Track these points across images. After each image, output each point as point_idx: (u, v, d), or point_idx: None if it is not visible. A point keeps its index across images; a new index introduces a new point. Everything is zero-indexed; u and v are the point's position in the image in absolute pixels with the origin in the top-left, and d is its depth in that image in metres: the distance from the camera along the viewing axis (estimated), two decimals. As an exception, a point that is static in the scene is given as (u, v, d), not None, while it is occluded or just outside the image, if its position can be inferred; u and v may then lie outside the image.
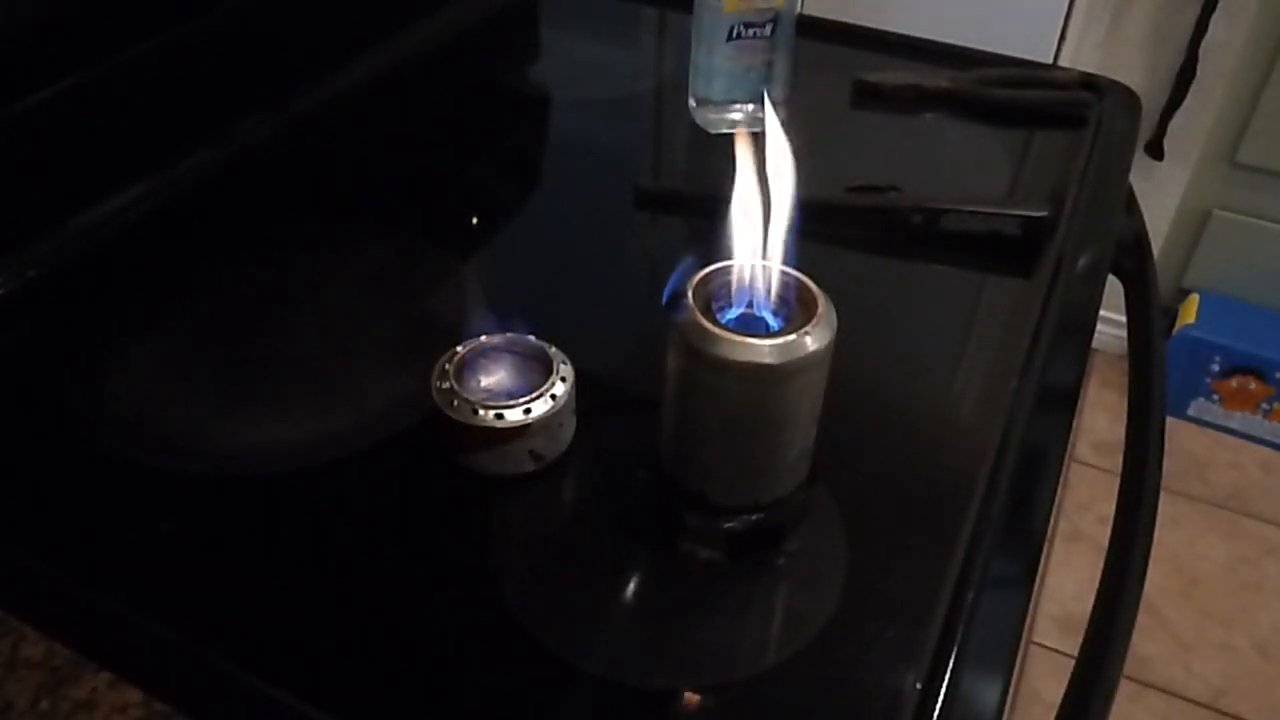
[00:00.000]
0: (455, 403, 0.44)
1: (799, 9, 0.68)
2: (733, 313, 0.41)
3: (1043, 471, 0.50)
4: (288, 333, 0.55)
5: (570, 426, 0.46)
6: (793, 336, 0.38)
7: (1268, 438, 1.65)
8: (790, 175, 0.40)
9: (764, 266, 0.40)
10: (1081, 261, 0.60)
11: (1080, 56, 1.38)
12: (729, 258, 0.41)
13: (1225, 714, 1.29)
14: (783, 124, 0.41)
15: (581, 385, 0.46)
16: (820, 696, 0.39)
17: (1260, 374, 1.60)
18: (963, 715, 0.38)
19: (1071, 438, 1.47)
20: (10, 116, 0.54)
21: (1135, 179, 0.71)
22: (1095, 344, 1.57)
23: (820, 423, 0.42)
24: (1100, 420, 1.65)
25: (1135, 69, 1.49)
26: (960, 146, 0.72)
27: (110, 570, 0.42)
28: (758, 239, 0.40)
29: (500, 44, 0.84)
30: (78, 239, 0.58)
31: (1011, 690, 0.42)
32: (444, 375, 0.45)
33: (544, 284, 0.59)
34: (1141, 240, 0.70)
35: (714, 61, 0.67)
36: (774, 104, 0.69)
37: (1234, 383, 1.62)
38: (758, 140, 0.42)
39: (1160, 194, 1.57)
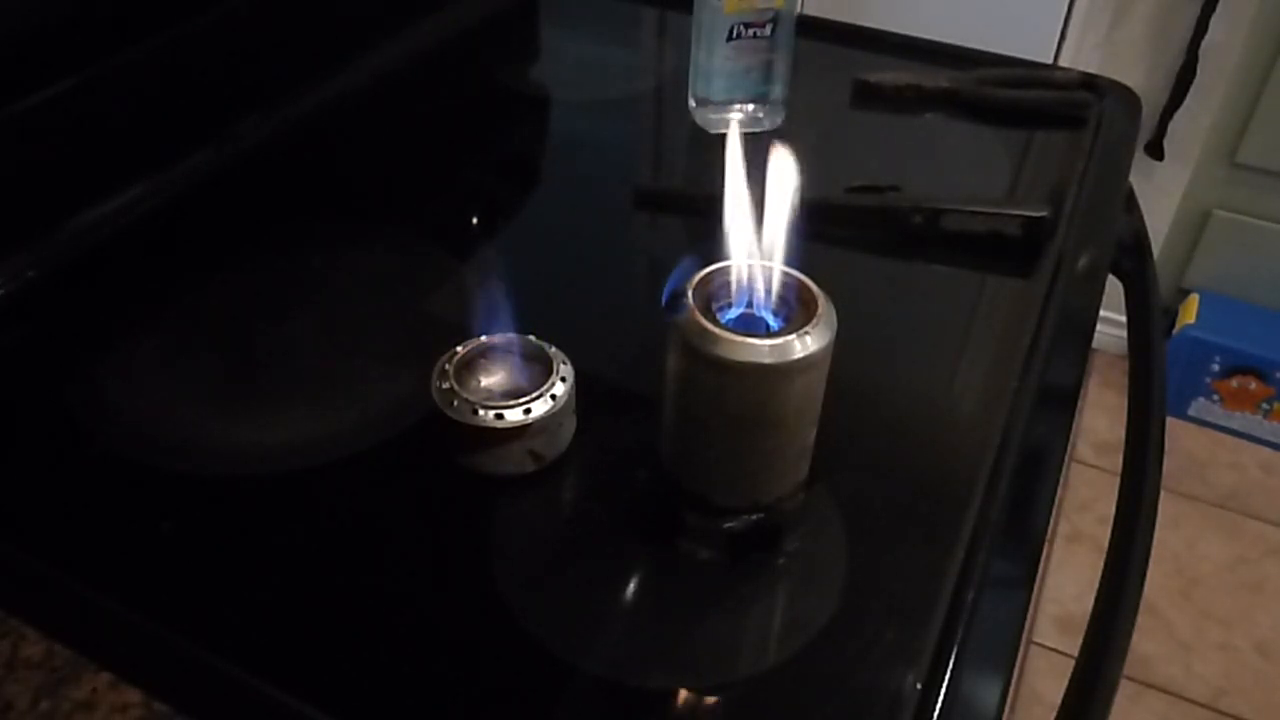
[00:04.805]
0: (455, 403, 0.44)
1: (799, 9, 0.68)
2: (733, 313, 0.41)
3: (1043, 471, 0.50)
4: (288, 333, 0.55)
5: (570, 426, 0.46)
6: (793, 336, 0.38)
7: (1268, 438, 1.65)
8: (793, 175, 0.40)
9: (764, 266, 0.40)
10: (1081, 261, 0.60)
11: (1080, 56, 1.38)
12: (729, 258, 0.41)
13: (1225, 714, 1.29)
14: (783, 124, 0.41)
15: (581, 385, 0.46)
16: (820, 696, 0.39)
17: (1260, 374, 1.60)
18: (963, 715, 0.38)
19: (1071, 438, 1.47)
20: (10, 116, 0.54)
21: (1135, 179, 0.71)
22: (1095, 344, 1.57)
23: (820, 423, 0.42)
24: (1100, 420, 1.65)
25: (1135, 69, 1.48)
26: (960, 146, 0.72)
27: (110, 570, 0.42)
28: (757, 239, 0.40)
29: (500, 44, 0.84)
30: (78, 239, 0.58)
31: (1011, 690, 0.42)
32: (444, 375, 0.45)
33: (544, 284, 0.59)
34: (1141, 240, 0.70)
35: (714, 61, 0.67)
36: (774, 104, 0.69)
37: (1234, 383, 1.62)
38: (755, 141, 0.41)
39: (1160, 194, 1.57)
